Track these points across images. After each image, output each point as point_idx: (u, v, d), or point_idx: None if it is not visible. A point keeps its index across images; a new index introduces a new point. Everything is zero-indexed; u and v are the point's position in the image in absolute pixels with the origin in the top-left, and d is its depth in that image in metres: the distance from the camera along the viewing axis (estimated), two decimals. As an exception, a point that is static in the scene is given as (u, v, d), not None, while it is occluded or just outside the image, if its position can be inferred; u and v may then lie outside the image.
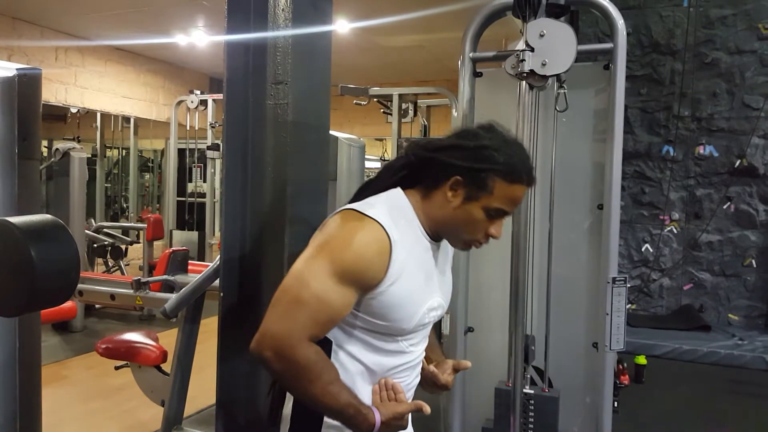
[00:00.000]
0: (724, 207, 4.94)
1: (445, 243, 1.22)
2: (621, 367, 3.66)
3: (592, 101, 2.13)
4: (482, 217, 1.09)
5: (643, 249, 5.20)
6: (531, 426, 1.93)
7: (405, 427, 1.11)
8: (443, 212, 1.12)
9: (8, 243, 0.73)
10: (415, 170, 1.14)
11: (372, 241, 1.04)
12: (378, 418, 1.07)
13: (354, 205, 1.10)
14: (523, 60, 1.71)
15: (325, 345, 1.10)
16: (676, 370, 4.07)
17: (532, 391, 1.94)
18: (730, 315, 4.96)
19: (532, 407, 1.93)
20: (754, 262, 4.89)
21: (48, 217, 0.77)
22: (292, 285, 1.04)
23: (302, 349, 1.01)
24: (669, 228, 5.12)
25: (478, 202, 1.08)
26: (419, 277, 1.11)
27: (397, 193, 1.15)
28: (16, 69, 1.09)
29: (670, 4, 5.02)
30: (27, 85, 1.10)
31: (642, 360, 3.82)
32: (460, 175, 1.09)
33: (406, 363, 1.16)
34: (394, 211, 1.11)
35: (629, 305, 5.19)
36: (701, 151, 4.99)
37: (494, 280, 2.16)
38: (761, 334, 4.62)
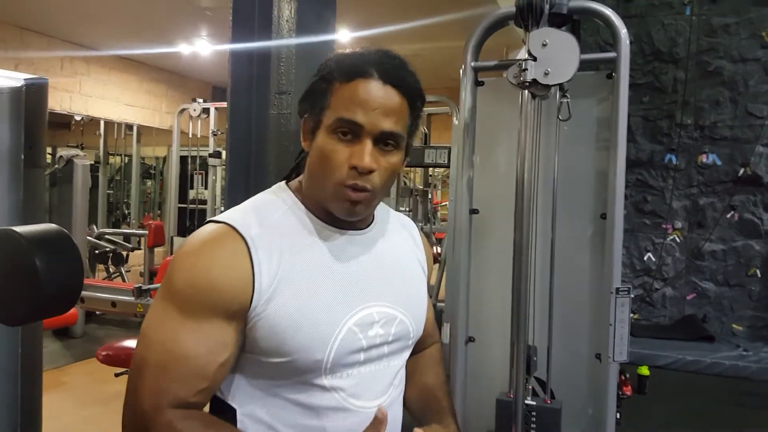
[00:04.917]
0: (728, 216, 4.92)
1: (390, 230, 0.93)
2: (623, 377, 3.63)
3: (594, 110, 2.13)
4: (333, 142, 0.78)
5: (645, 258, 5.18)
6: (533, 436, 1.92)
7: None
8: (306, 170, 0.84)
9: (13, 252, 0.74)
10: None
11: (216, 249, 0.77)
12: None
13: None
14: (525, 69, 1.71)
15: (228, 414, 0.82)
16: (679, 381, 4.04)
17: (533, 403, 1.93)
18: (733, 325, 4.92)
19: (534, 419, 1.92)
20: (758, 272, 4.87)
21: (53, 226, 0.78)
22: (138, 343, 0.79)
23: (160, 420, 0.74)
24: (672, 237, 5.10)
25: (323, 124, 0.80)
26: (319, 282, 0.80)
27: (276, 185, 0.89)
28: (24, 79, 1.10)
29: (672, 12, 5.03)
30: (34, 94, 1.11)
31: (645, 370, 3.79)
32: (306, 112, 0.84)
33: (352, 427, 0.80)
34: (262, 205, 0.84)
35: (631, 315, 5.17)
36: (704, 160, 4.98)
37: (495, 290, 2.15)
38: (766, 345, 4.59)
